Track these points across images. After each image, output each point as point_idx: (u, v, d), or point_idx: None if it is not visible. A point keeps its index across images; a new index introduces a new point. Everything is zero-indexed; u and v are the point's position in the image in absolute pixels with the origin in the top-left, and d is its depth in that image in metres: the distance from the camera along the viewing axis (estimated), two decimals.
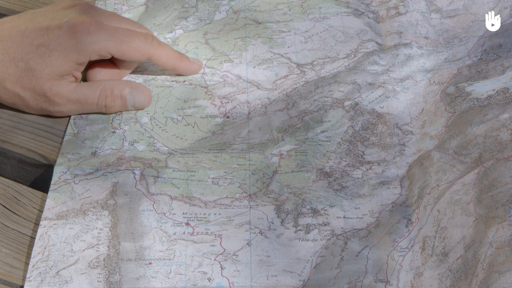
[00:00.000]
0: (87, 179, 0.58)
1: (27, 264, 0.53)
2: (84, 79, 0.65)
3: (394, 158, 0.60)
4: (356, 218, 0.56)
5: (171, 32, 0.71)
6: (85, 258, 0.53)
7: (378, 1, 0.74)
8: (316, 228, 0.55)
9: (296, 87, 0.66)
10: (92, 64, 0.64)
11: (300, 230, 0.55)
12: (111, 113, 0.63)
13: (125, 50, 0.62)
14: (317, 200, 0.57)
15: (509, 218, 0.49)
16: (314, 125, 0.63)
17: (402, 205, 0.57)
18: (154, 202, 0.57)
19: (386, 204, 0.57)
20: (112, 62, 0.65)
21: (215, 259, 0.53)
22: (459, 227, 0.52)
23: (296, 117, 0.63)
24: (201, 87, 0.66)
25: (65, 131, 0.62)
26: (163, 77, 0.67)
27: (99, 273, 0.52)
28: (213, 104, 0.65)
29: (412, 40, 0.69)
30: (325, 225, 0.56)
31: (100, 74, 0.64)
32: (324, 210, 0.57)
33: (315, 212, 0.56)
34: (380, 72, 0.67)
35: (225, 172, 0.59)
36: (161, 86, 0.66)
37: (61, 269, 0.52)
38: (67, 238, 0.54)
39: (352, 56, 0.69)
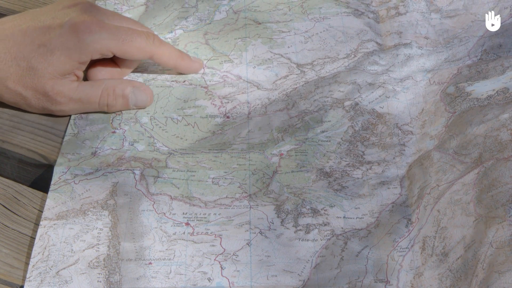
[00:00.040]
0: (87, 179, 0.58)
1: (27, 264, 0.53)
2: (85, 78, 0.65)
3: (394, 158, 0.60)
4: (356, 218, 0.56)
5: (171, 32, 0.71)
6: (85, 258, 0.53)
7: (378, 1, 0.74)
8: (316, 228, 0.55)
9: (296, 87, 0.66)
10: (93, 63, 0.64)
11: (300, 230, 0.55)
12: (113, 112, 0.64)
13: (127, 49, 0.62)
14: (317, 200, 0.57)
15: (509, 218, 0.49)
16: (314, 125, 0.63)
17: (402, 205, 0.57)
18: (154, 202, 0.57)
19: (386, 204, 0.57)
20: (113, 61, 0.65)
21: (215, 259, 0.53)
22: (459, 227, 0.52)
23: (296, 117, 0.63)
24: (201, 87, 0.66)
25: (65, 131, 0.62)
26: (163, 77, 0.67)
27: (99, 273, 0.52)
28: (213, 104, 0.65)
29: (412, 40, 0.69)
30: (325, 225, 0.56)
31: (101, 73, 0.64)
32: (324, 210, 0.57)
33: (315, 212, 0.56)
34: (380, 72, 0.67)
35: (225, 172, 0.59)
36: (161, 86, 0.66)
37: (61, 269, 0.52)
38: (67, 238, 0.54)
39: (352, 56, 0.69)
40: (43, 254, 0.53)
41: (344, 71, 0.67)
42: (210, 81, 0.67)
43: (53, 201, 0.56)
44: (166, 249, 0.54)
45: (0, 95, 0.62)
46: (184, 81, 0.67)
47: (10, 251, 0.54)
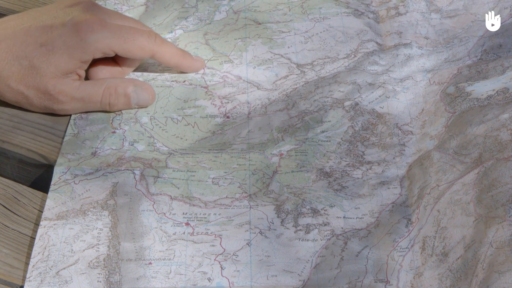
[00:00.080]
0: (87, 179, 0.58)
1: (27, 264, 0.53)
2: (86, 77, 0.65)
3: (394, 158, 0.60)
4: (356, 218, 0.56)
5: (171, 32, 0.71)
6: (85, 258, 0.53)
7: (378, 1, 0.74)
8: (316, 228, 0.55)
9: (296, 88, 0.66)
10: (94, 63, 0.64)
11: (300, 230, 0.55)
12: (115, 111, 0.64)
13: (129, 47, 0.62)
14: (317, 200, 0.57)
15: (509, 218, 0.49)
16: (314, 125, 0.63)
17: (402, 205, 0.57)
18: (154, 202, 0.57)
19: (386, 204, 0.57)
20: (114, 60, 0.65)
21: (215, 259, 0.53)
22: (459, 227, 0.52)
23: (296, 117, 0.63)
24: (201, 87, 0.66)
25: (65, 131, 0.62)
26: (163, 77, 0.67)
27: (99, 273, 0.52)
28: (213, 104, 0.65)
29: (412, 40, 0.69)
30: (325, 225, 0.56)
31: (102, 72, 0.64)
32: (324, 210, 0.57)
33: (315, 212, 0.56)
34: (380, 72, 0.67)
35: (225, 172, 0.59)
36: (161, 86, 0.66)
37: (61, 269, 0.52)
38: (67, 238, 0.54)
39: (352, 56, 0.69)
40: (43, 254, 0.53)
41: (344, 71, 0.67)
42: (210, 81, 0.67)
43: (53, 201, 0.56)
44: (166, 249, 0.54)
45: (2, 94, 0.62)
46: (184, 81, 0.67)
47: (10, 251, 0.54)
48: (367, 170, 0.60)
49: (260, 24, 0.72)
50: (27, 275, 0.52)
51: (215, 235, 0.55)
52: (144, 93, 0.64)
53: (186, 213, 0.56)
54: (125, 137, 0.62)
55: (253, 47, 0.70)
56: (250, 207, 0.57)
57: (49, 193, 0.57)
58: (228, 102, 0.65)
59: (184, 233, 0.55)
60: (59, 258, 0.53)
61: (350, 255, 0.54)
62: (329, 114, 0.64)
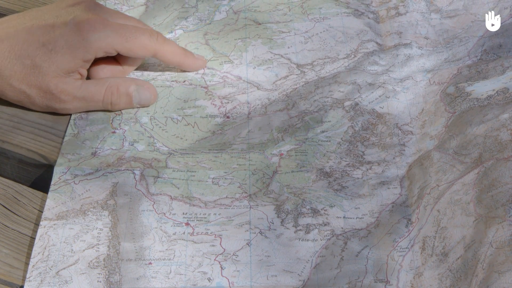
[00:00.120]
0: (87, 179, 0.58)
1: (27, 264, 0.53)
2: (87, 76, 0.65)
3: (394, 158, 0.60)
4: (356, 218, 0.56)
5: (171, 32, 0.71)
6: (85, 258, 0.53)
7: (378, 1, 0.74)
8: (316, 228, 0.55)
9: (296, 88, 0.66)
10: (95, 62, 0.64)
11: (300, 230, 0.55)
12: (117, 110, 0.64)
13: (131, 46, 0.62)
14: (317, 200, 0.57)
15: (509, 218, 0.49)
16: (314, 125, 0.63)
17: (402, 205, 0.57)
18: (154, 202, 0.57)
19: (386, 204, 0.57)
20: (115, 59, 0.65)
21: (215, 259, 0.53)
22: (459, 227, 0.52)
23: (296, 117, 0.63)
24: (201, 87, 0.66)
25: (65, 132, 0.62)
26: (163, 77, 0.67)
27: (99, 273, 0.52)
28: (213, 104, 0.65)
29: (412, 40, 0.69)
30: (325, 225, 0.56)
31: (104, 71, 0.64)
32: (324, 210, 0.57)
33: (315, 212, 0.56)
34: (380, 72, 0.67)
35: (225, 172, 0.59)
36: (161, 86, 0.66)
37: (61, 269, 0.52)
38: (67, 238, 0.54)
39: (352, 56, 0.69)
40: (43, 254, 0.53)
41: (344, 71, 0.67)
42: (210, 81, 0.67)
43: (53, 201, 0.56)
44: (166, 249, 0.54)
45: (4, 93, 0.62)
46: (184, 81, 0.67)
47: (10, 251, 0.54)
48: (367, 170, 0.60)
49: (260, 24, 0.72)
50: (27, 275, 0.52)
51: (215, 235, 0.55)
52: (146, 92, 0.64)
53: (186, 213, 0.56)
54: (125, 137, 0.62)
55: (253, 47, 0.70)
56: (250, 207, 0.57)
57: (49, 193, 0.57)
58: (228, 102, 0.65)
59: (184, 233, 0.55)
60: (59, 258, 0.53)
61: (350, 255, 0.54)
62: (329, 114, 0.64)
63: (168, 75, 0.67)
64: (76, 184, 0.58)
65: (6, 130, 0.63)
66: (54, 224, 0.55)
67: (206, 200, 0.57)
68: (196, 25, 0.72)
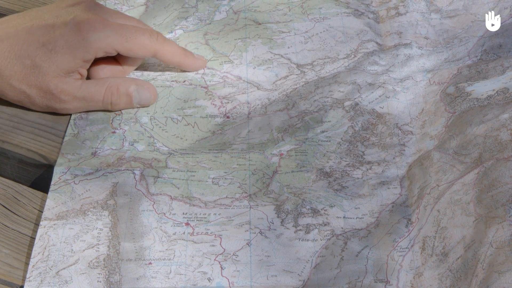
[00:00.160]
0: (87, 179, 0.58)
1: (27, 264, 0.53)
2: (87, 77, 0.65)
3: (394, 158, 0.60)
4: (356, 218, 0.56)
5: (171, 32, 0.71)
6: (85, 258, 0.53)
7: (378, 1, 0.74)
8: (316, 228, 0.55)
9: (296, 88, 0.66)
10: (95, 62, 0.64)
11: (300, 230, 0.55)
12: (117, 110, 0.64)
13: (131, 46, 0.62)
14: (317, 200, 0.57)
15: (509, 218, 0.49)
16: (314, 125, 0.63)
17: (402, 205, 0.57)
18: (154, 202, 0.57)
19: (386, 204, 0.57)
20: (115, 59, 0.65)
21: (215, 259, 0.53)
22: (459, 227, 0.52)
23: (296, 117, 0.63)
24: (201, 87, 0.66)
25: (65, 132, 0.62)
26: (163, 77, 0.67)
27: (99, 273, 0.52)
28: (213, 104, 0.65)
29: (412, 40, 0.69)
30: (325, 225, 0.56)
31: (103, 71, 0.64)
32: (324, 210, 0.57)
33: (315, 212, 0.56)
34: (380, 72, 0.67)
35: (225, 172, 0.59)
36: (161, 86, 0.66)
37: (61, 269, 0.52)
38: (67, 238, 0.54)
39: (352, 56, 0.69)
40: (43, 254, 0.53)
41: (344, 71, 0.67)
42: (210, 81, 0.67)
43: (53, 201, 0.56)
44: (166, 249, 0.54)
45: (4, 93, 0.62)
46: (184, 81, 0.67)
47: (10, 251, 0.54)
48: (367, 170, 0.60)
49: (260, 24, 0.72)
50: (27, 275, 0.52)
51: (215, 235, 0.55)
52: (146, 92, 0.64)
53: (186, 213, 0.56)
54: (125, 137, 0.62)
55: (253, 47, 0.70)
56: (250, 207, 0.57)
57: (49, 193, 0.57)
58: (228, 102, 0.65)
59: (184, 233, 0.55)
60: (59, 258, 0.53)
61: (350, 255, 0.54)
62: (329, 114, 0.64)
63: (168, 75, 0.67)
64: (76, 184, 0.58)
65: (6, 130, 0.63)
66: (54, 224, 0.55)
67: (206, 200, 0.57)
68: (196, 25, 0.72)
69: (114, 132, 0.62)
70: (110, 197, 0.57)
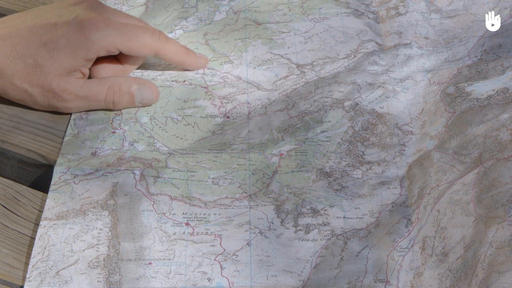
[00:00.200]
0: (87, 179, 0.58)
1: (27, 264, 0.53)
2: (88, 76, 0.65)
3: (394, 158, 0.60)
4: (356, 218, 0.56)
5: (171, 32, 0.71)
6: (85, 258, 0.53)
7: (378, 1, 0.74)
8: (316, 228, 0.55)
9: (296, 88, 0.66)
10: (96, 61, 0.64)
11: (300, 230, 0.55)
12: (119, 109, 0.64)
13: (133, 45, 0.62)
14: (317, 200, 0.57)
15: (509, 218, 0.49)
16: (314, 125, 0.63)
17: (402, 205, 0.57)
18: (154, 202, 0.57)
19: (386, 204, 0.57)
20: (116, 59, 0.65)
21: (215, 259, 0.53)
22: (459, 227, 0.52)
23: (296, 117, 0.63)
24: (201, 87, 0.66)
25: (65, 132, 0.62)
26: (163, 77, 0.67)
27: (99, 273, 0.52)
28: (213, 104, 0.65)
29: (412, 40, 0.69)
30: (325, 225, 0.56)
31: (105, 70, 0.64)
32: (324, 210, 0.57)
33: (315, 212, 0.56)
34: (380, 72, 0.67)
35: (225, 172, 0.59)
36: (161, 86, 0.66)
37: (61, 269, 0.52)
38: (67, 238, 0.54)
39: (352, 56, 0.69)
40: (43, 254, 0.53)
41: (344, 71, 0.67)
42: (210, 82, 0.67)
43: (53, 201, 0.56)
44: (166, 249, 0.54)
45: (6, 92, 0.62)
46: (184, 81, 0.67)
47: (10, 251, 0.54)
48: (367, 170, 0.60)
49: (260, 24, 0.72)
50: (27, 275, 0.52)
51: (215, 235, 0.55)
52: (148, 91, 0.64)
53: (186, 213, 0.56)
54: (125, 137, 0.62)
55: (253, 48, 0.70)
56: (250, 207, 0.57)
57: (49, 193, 0.57)
58: (228, 102, 0.65)
59: (184, 233, 0.55)
60: (59, 258, 0.53)
61: (350, 255, 0.54)
62: (329, 114, 0.64)
63: (168, 75, 0.67)
64: (76, 184, 0.58)
65: (6, 130, 0.63)
66: (54, 224, 0.55)
67: (206, 200, 0.57)
68: (196, 25, 0.72)
69: (114, 132, 0.62)
70: (110, 197, 0.57)
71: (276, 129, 0.63)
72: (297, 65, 0.68)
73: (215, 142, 0.62)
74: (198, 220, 0.56)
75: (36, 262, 0.53)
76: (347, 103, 0.64)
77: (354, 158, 0.60)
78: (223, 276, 0.53)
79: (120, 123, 0.63)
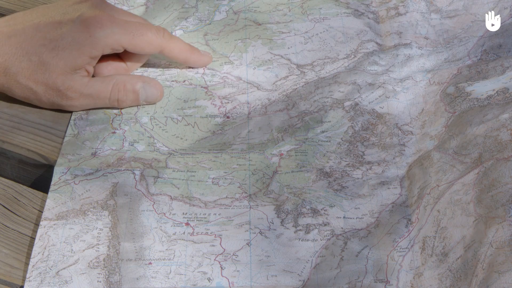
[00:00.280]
0: (87, 179, 0.58)
1: (27, 264, 0.53)
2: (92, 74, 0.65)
3: (394, 158, 0.60)
4: (356, 218, 0.56)
5: (171, 32, 0.71)
6: (85, 258, 0.53)
7: (378, 1, 0.74)
8: (316, 228, 0.55)
9: (296, 88, 0.66)
10: (100, 59, 0.64)
11: (300, 230, 0.55)
12: (123, 108, 0.64)
13: (138, 43, 0.62)
14: (317, 200, 0.57)
15: (509, 218, 0.49)
16: (314, 125, 0.63)
17: (402, 205, 0.57)
18: (154, 202, 0.57)
19: (386, 204, 0.57)
20: (120, 57, 0.65)
21: (215, 259, 0.53)
22: (459, 227, 0.52)
23: (296, 117, 0.63)
24: (201, 87, 0.66)
25: (65, 132, 0.62)
26: (163, 77, 0.67)
27: (99, 273, 0.52)
28: (213, 104, 0.65)
29: (412, 41, 0.69)
30: (325, 225, 0.56)
31: (108, 68, 0.64)
32: (324, 210, 0.57)
33: (315, 212, 0.56)
34: (380, 73, 0.67)
35: (225, 172, 0.59)
36: None
37: (61, 269, 0.52)
38: (67, 238, 0.54)
39: (352, 56, 0.69)
40: (43, 254, 0.53)
41: (344, 71, 0.67)
42: (210, 82, 0.67)
43: (53, 202, 0.56)
44: (166, 249, 0.54)
45: (11, 90, 0.62)
46: (184, 81, 0.67)
47: (10, 251, 0.54)
48: (367, 170, 0.60)
49: (260, 24, 0.72)
50: (27, 275, 0.52)
51: (215, 235, 0.55)
52: (152, 89, 0.64)
53: (186, 213, 0.56)
54: (125, 137, 0.62)
55: (253, 48, 0.70)
56: (250, 207, 0.57)
57: (49, 193, 0.57)
58: (228, 102, 0.65)
59: (184, 233, 0.55)
60: (59, 258, 0.53)
61: (350, 255, 0.54)
62: (329, 114, 0.64)
63: (168, 75, 0.67)
64: (76, 184, 0.58)
65: (6, 130, 0.63)
66: (54, 224, 0.55)
67: (206, 200, 0.57)
68: (196, 25, 0.72)
69: (114, 132, 0.62)
70: (110, 197, 0.57)
71: (276, 129, 0.63)
72: (297, 65, 0.68)
73: (215, 142, 0.62)
74: (198, 220, 0.56)
75: (36, 262, 0.53)
76: (347, 103, 0.64)
77: (354, 158, 0.60)
78: (223, 276, 0.53)
79: (120, 123, 0.63)
